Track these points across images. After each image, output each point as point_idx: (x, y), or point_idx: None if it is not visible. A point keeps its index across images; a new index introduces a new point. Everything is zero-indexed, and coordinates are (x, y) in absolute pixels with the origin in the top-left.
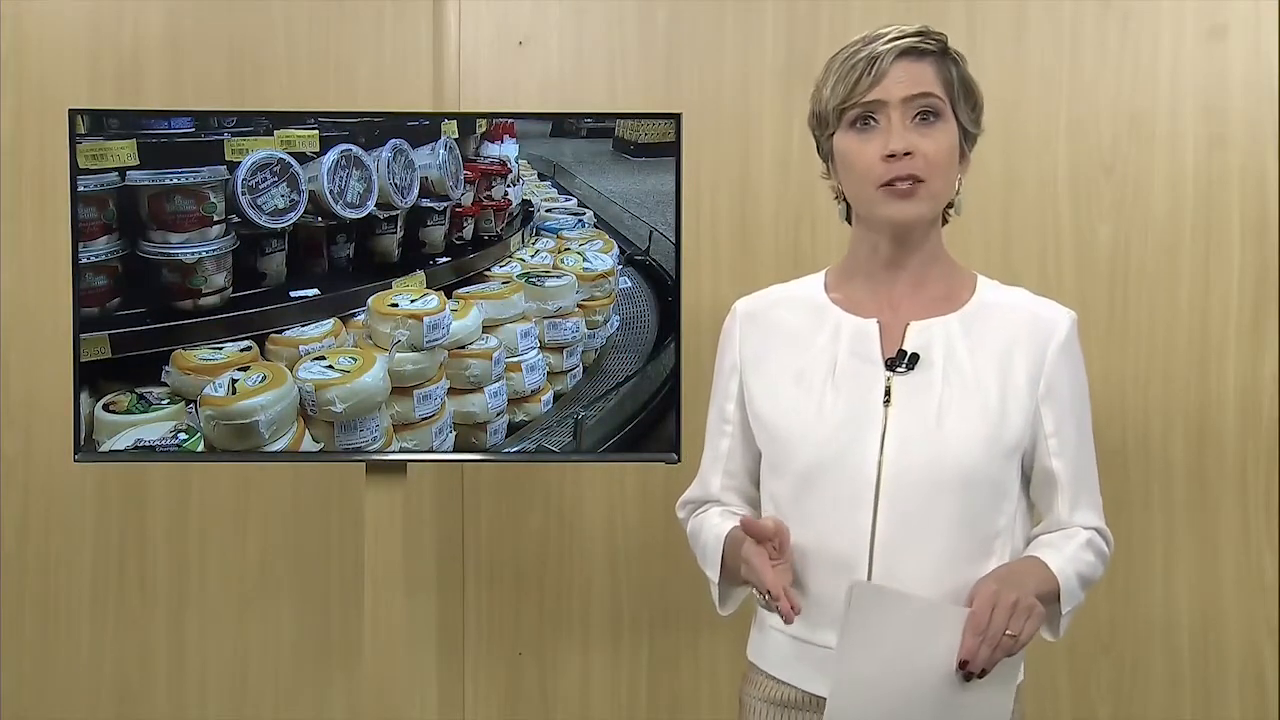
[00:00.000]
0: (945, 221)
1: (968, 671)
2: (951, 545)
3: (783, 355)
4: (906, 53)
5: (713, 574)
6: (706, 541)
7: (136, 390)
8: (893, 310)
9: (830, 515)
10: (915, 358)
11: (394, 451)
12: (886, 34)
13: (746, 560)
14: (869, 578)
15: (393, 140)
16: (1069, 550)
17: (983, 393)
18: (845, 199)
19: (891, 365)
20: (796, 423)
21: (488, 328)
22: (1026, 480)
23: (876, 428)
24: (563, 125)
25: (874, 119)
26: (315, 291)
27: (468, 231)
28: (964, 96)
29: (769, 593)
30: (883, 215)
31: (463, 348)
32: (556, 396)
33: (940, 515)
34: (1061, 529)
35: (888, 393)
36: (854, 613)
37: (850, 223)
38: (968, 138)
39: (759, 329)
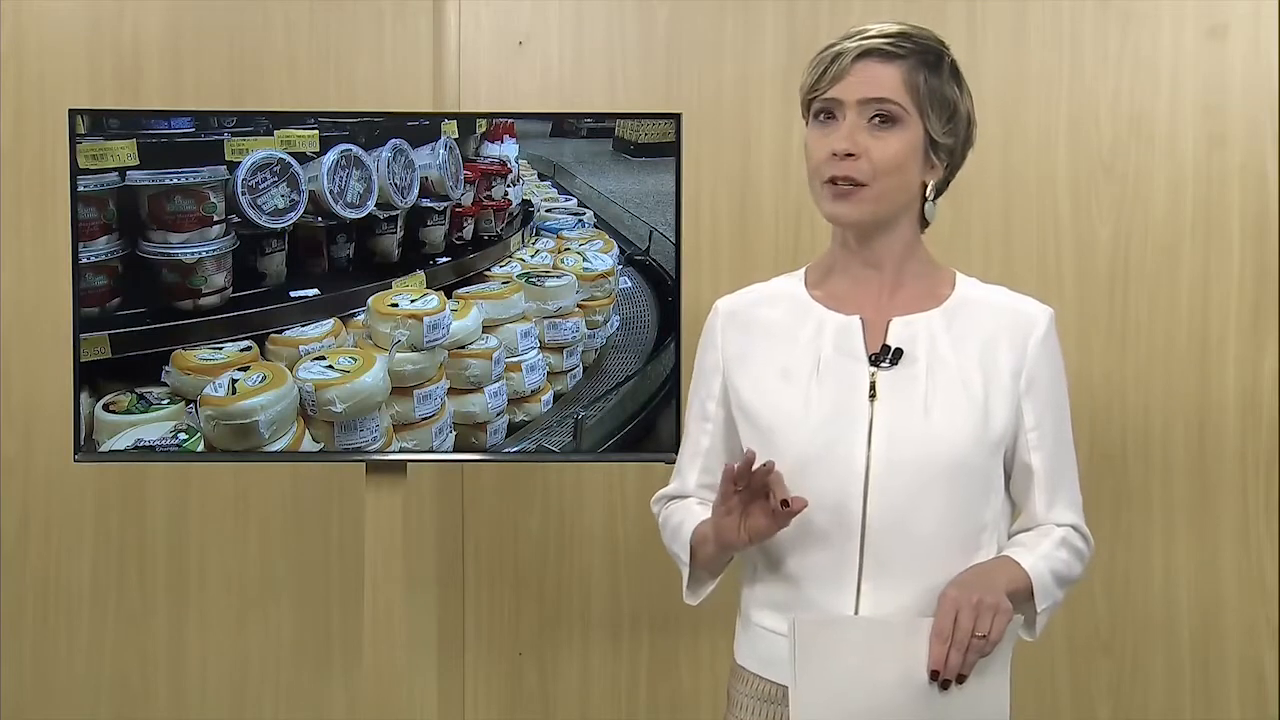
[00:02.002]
0: (927, 223)
1: (942, 680)
2: (942, 537)
3: (767, 352)
4: (872, 53)
5: (683, 553)
6: (683, 521)
7: (136, 390)
8: (874, 307)
9: (820, 510)
10: (899, 352)
11: (394, 451)
12: (863, 32)
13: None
14: (860, 572)
15: (393, 140)
16: (1042, 548)
17: (967, 386)
18: None
19: (876, 360)
20: (783, 418)
21: (488, 328)
22: (1008, 477)
23: (863, 422)
24: (563, 125)
25: (833, 115)
26: (315, 291)
27: (468, 231)
28: (933, 105)
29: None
30: (823, 211)
31: (463, 348)
32: (556, 396)
33: (930, 507)
34: (1038, 526)
35: (873, 387)
36: (800, 649)
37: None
38: (937, 147)
39: (742, 327)
